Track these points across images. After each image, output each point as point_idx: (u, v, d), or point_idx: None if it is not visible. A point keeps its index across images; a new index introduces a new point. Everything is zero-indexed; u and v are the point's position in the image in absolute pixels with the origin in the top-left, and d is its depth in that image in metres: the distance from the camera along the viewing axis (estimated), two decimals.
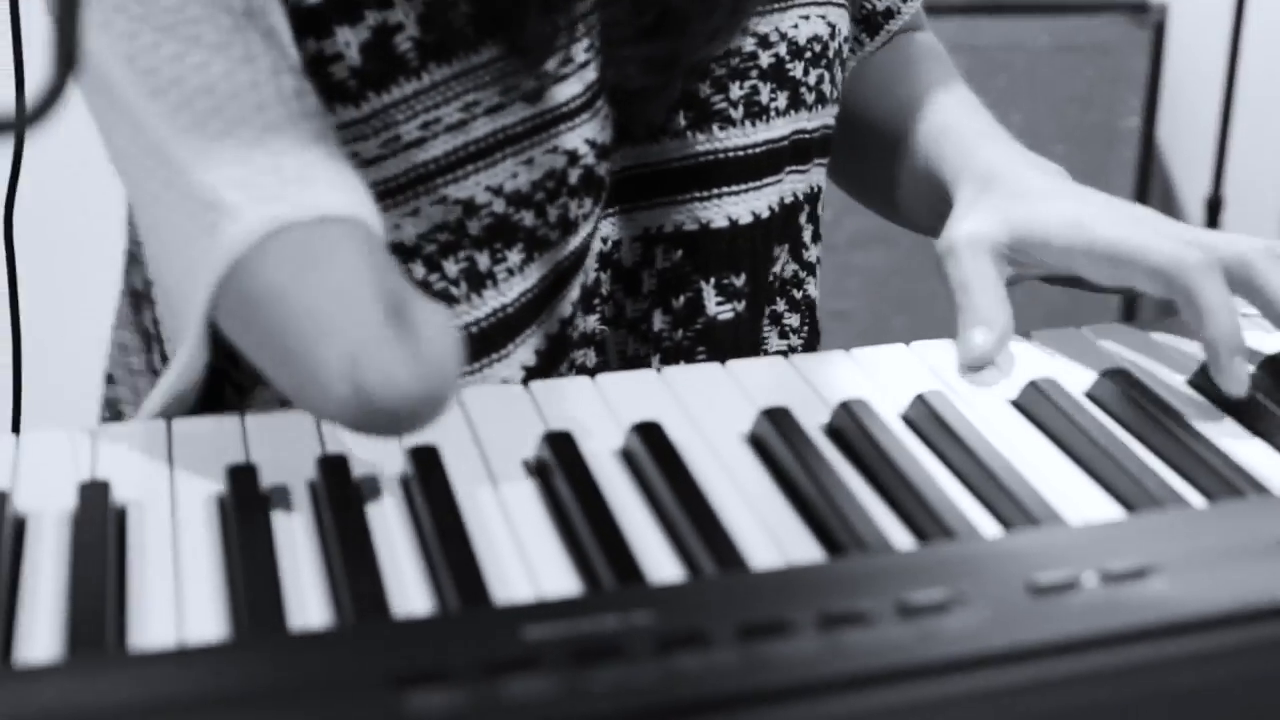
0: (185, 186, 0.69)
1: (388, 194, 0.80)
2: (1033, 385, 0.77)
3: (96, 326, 0.98)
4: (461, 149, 0.80)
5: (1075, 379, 0.80)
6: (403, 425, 0.65)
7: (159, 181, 0.71)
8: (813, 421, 0.74)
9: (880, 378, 0.80)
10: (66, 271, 2.10)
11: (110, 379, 0.95)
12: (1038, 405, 0.76)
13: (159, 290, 0.77)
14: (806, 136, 0.93)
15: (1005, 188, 0.86)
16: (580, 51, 0.81)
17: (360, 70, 0.77)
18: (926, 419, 0.74)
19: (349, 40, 0.77)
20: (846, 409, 0.74)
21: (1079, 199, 0.84)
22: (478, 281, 0.83)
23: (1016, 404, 0.77)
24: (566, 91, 0.81)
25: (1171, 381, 0.81)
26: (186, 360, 0.72)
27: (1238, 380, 0.76)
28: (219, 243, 0.68)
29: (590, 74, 0.82)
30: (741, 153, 0.89)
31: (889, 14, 1.02)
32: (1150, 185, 2.67)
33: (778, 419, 0.72)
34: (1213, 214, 2.61)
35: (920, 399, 0.75)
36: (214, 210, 0.68)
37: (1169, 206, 2.83)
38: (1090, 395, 0.79)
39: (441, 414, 0.66)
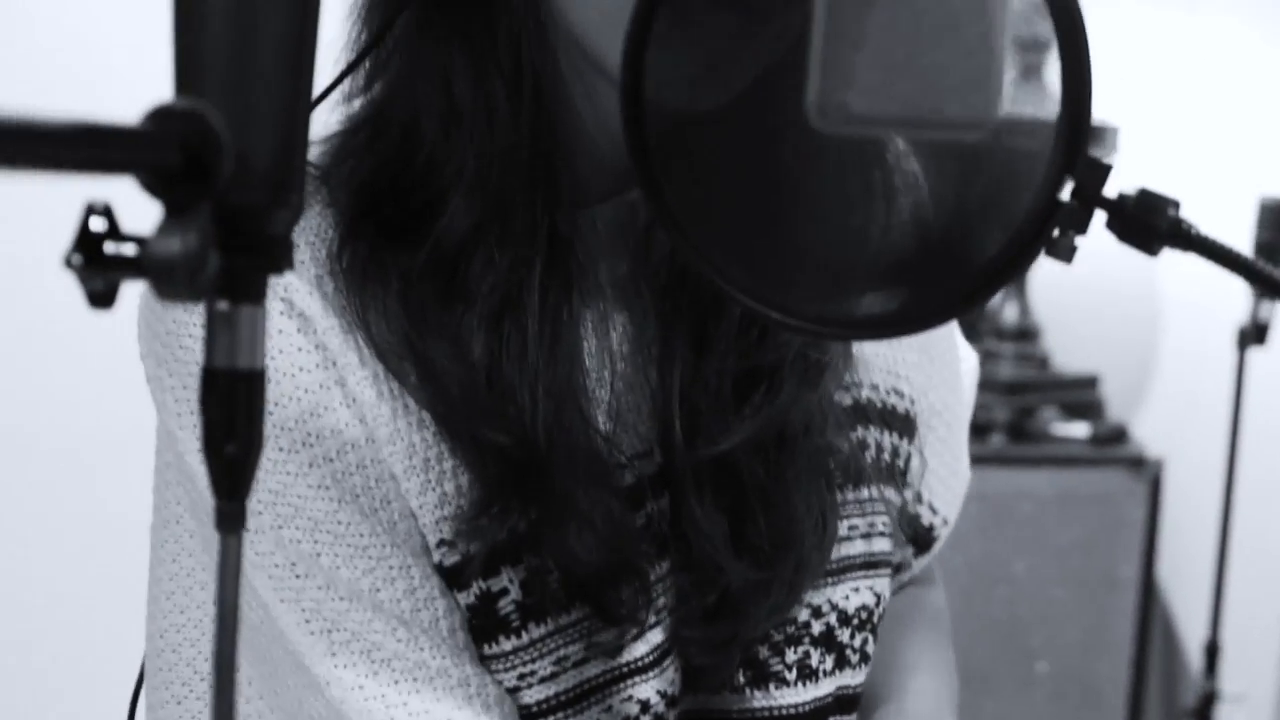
0: None
1: None
2: None
3: None
4: (553, 698, 0.90)
5: None
6: None
7: None
8: None
9: None
10: None
11: None
12: None
13: None
14: (850, 692, 1.02)
15: None
16: (651, 614, 0.92)
17: (468, 627, 0.88)
18: None
19: (460, 602, 0.88)
20: None
21: None
22: None
23: None
24: (638, 650, 0.92)
25: None
26: None
27: None
28: None
29: (656, 636, 0.92)
30: (792, 710, 0.98)
31: (902, 566, 1.10)
32: (1150, 630, 2.76)
33: None
34: (1211, 659, 2.69)
35: None
36: None
37: (1169, 651, 2.92)
38: None
39: None
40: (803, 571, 0.94)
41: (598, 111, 0.88)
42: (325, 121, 0.92)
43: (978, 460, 2.89)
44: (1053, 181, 0.62)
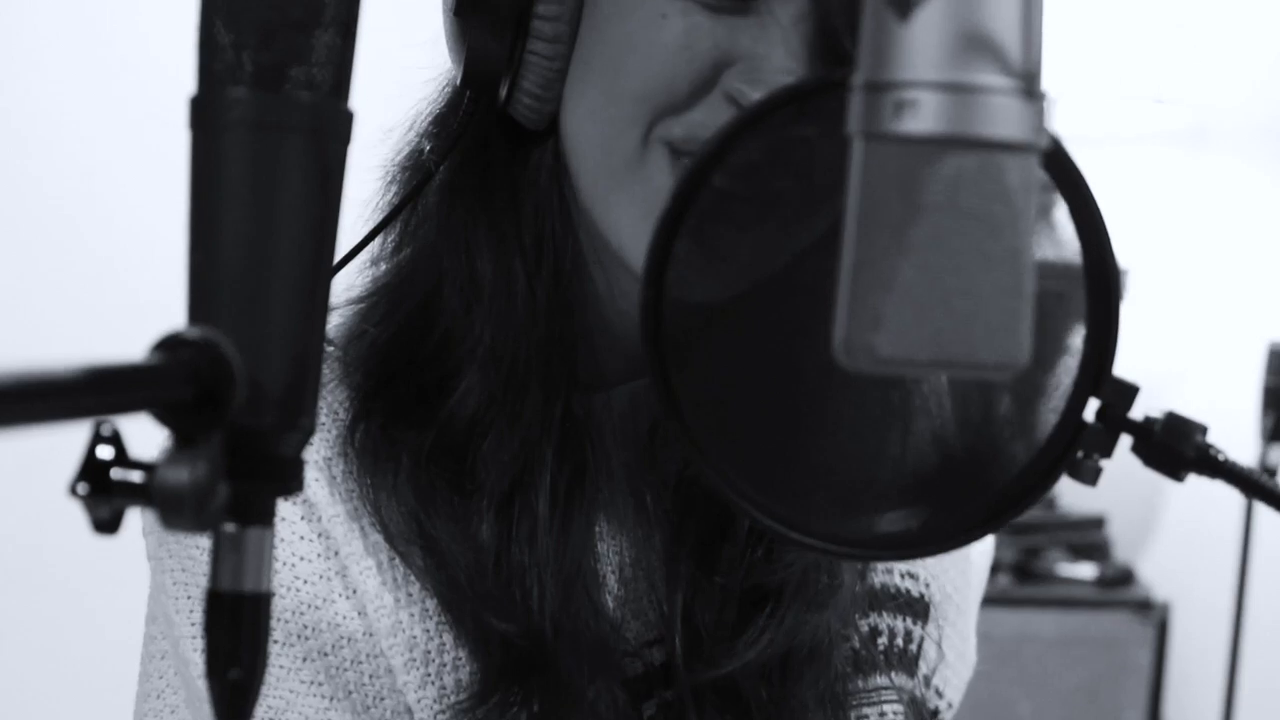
0: None
1: None
2: None
3: None
4: None
5: None
6: None
7: None
8: None
9: None
10: None
11: None
12: None
13: None
14: None
15: None
16: None
17: None
18: None
19: None
20: None
21: None
22: None
23: None
24: None
25: None
26: None
27: None
28: None
29: None
30: None
31: None
32: None
33: None
34: None
35: None
36: None
37: None
38: None
39: None
40: None
41: (615, 295, 0.87)
42: (350, 284, 0.90)
43: (984, 601, 2.85)
44: (1077, 403, 0.61)
